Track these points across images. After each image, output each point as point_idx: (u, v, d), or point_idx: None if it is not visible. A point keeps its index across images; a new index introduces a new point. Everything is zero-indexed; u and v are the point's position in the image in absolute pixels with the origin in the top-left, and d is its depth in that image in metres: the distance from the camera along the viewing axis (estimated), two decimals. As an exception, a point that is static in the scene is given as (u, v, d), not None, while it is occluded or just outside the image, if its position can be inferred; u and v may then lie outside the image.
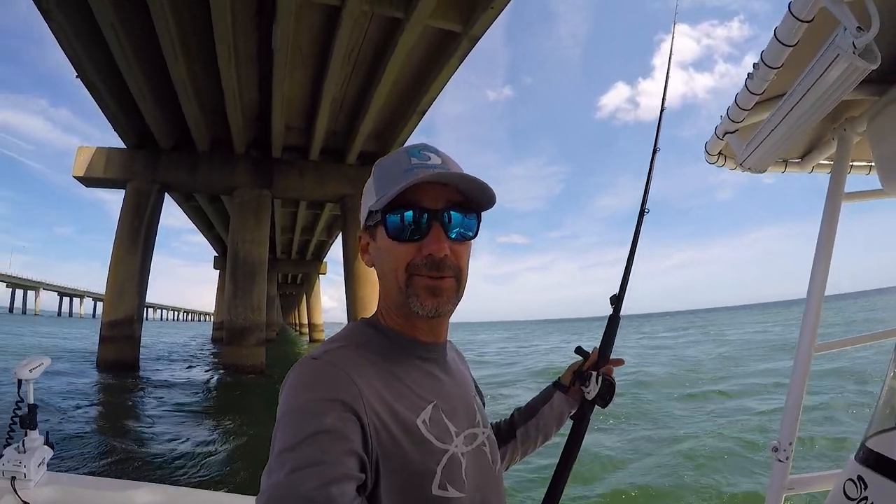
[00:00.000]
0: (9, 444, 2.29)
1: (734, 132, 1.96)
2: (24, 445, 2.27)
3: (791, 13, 1.29)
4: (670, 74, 1.95)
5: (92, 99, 16.73)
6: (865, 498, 1.40)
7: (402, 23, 12.71)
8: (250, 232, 19.70)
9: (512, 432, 1.41)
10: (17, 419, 2.29)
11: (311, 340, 54.51)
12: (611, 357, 1.48)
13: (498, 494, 1.07)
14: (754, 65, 1.54)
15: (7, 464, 2.21)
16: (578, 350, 1.51)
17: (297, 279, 61.93)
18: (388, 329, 1.03)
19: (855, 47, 1.17)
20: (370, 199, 1.02)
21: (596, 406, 1.41)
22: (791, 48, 1.38)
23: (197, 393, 15.78)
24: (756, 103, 1.71)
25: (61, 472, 2.55)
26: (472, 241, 1.03)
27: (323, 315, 62.70)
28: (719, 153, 2.24)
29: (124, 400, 13.83)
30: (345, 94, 16.84)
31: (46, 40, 13.84)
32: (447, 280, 0.98)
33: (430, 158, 1.00)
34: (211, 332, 51.62)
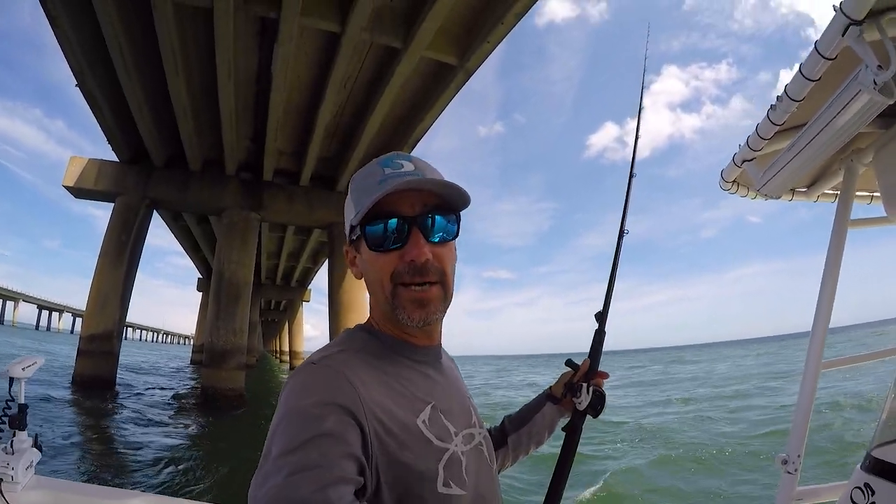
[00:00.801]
0: None
1: (752, 160, 2.07)
2: (12, 446, 2.20)
3: (817, 50, 1.39)
4: (643, 106, 2.01)
5: (88, 111, 16.84)
6: (874, 503, 1.46)
7: (399, 53, 12.90)
8: (237, 253, 19.59)
9: (503, 439, 1.44)
10: (5, 419, 2.22)
11: (292, 368, 53.53)
12: (598, 370, 1.49)
13: (496, 492, 1.09)
14: (777, 97, 1.65)
15: None
16: (569, 363, 1.54)
17: (281, 306, 61.49)
18: (382, 333, 1.05)
19: (875, 84, 1.27)
20: (350, 213, 1.04)
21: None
22: (814, 83, 1.48)
23: (174, 412, 15.63)
24: (775, 133, 1.83)
25: (49, 476, 2.46)
26: (455, 241, 1.05)
27: (305, 344, 62.22)
28: (734, 181, 2.38)
29: (100, 418, 13.68)
30: (339, 121, 17.00)
31: (46, 49, 14.05)
32: (433, 288, 0.99)
33: (402, 166, 1.02)
34: (190, 355, 51.09)
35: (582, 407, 1.40)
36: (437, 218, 1.00)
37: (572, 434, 1.40)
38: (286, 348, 66.11)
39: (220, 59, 13.06)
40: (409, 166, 1.02)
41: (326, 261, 24.01)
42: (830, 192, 2.45)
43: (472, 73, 13.83)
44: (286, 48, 12.51)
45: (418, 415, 0.95)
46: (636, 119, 1.98)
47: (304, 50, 13.63)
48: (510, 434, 1.45)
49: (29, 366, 2.23)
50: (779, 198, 2.36)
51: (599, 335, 1.52)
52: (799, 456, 1.91)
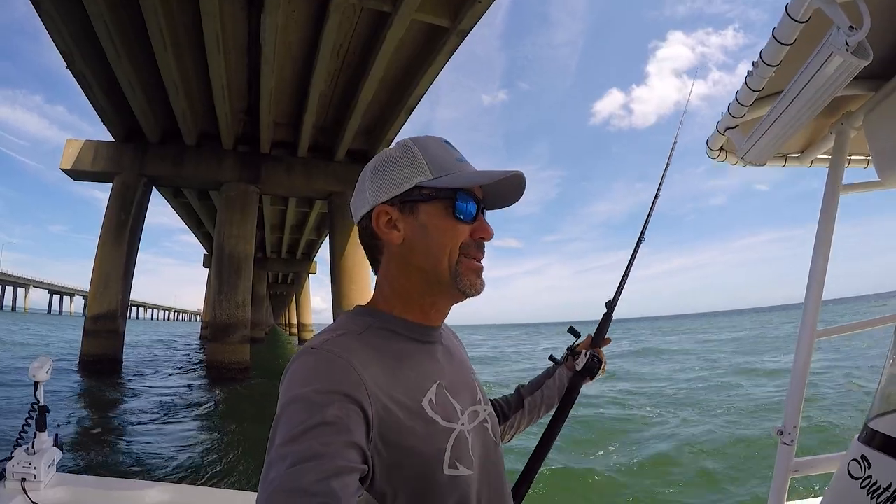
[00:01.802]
0: (19, 446, 2.32)
1: (735, 127, 2.08)
2: (33, 447, 2.30)
3: (788, 14, 1.39)
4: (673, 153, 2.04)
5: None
6: (870, 477, 1.45)
7: (389, 17, 12.70)
8: (236, 227, 19.55)
9: (520, 402, 1.52)
10: (31, 420, 2.32)
11: (301, 341, 54.60)
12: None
13: (501, 467, 1.10)
14: (753, 63, 1.66)
15: (17, 465, 2.23)
16: (571, 330, 1.65)
17: (288, 279, 61.84)
18: (385, 314, 1.04)
19: (848, 45, 1.26)
20: (414, 173, 1.01)
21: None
22: (788, 47, 1.48)
23: (183, 393, 15.73)
24: (756, 99, 1.83)
25: (71, 473, 2.55)
26: None
27: (313, 316, 62.80)
28: (720, 148, 2.38)
29: (112, 404, 13.68)
30: (333, 90, 16.84)
31: (42, 36, 13.83)
32: (481, 264, 1.05)
33: (458, 152, 1.08)
34: (200, 331, 51.64)
35: (579, 367, 1.55)
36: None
37: (570, 392, 1.53)
38: (294, 321, 66.73)
39: (207, 32, 12.91)
40: (460, 155, 1.08)
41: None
42: (824, 156, 2.43)
43: (466, 34, 13.57)
44: (274, 17, 12.31)
45: (424, 395, 0.95)
46: (668, 154, 2.05)
47: (293, 18, 13.46)
48: (526, 397, 1.53)
49: (49, 368, 2.31)
50: (764, 164, 2.31)
51: (607, 318, 1.68)
52: (795, 427, 1.91)
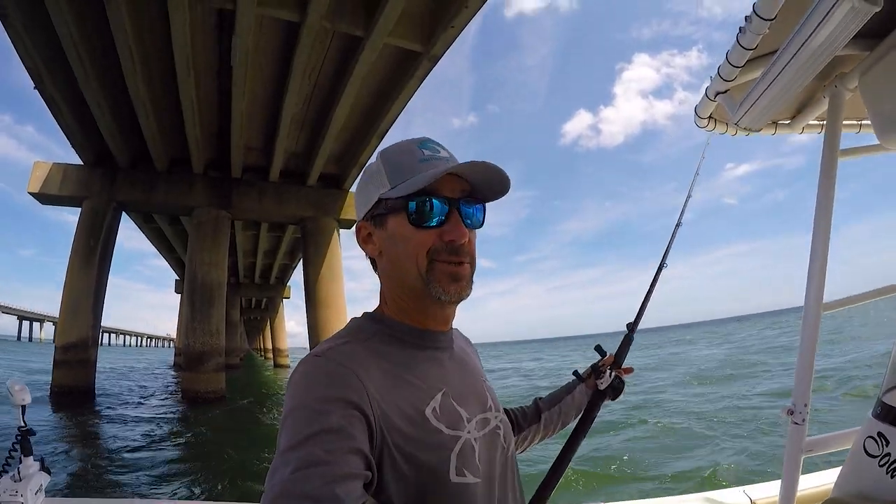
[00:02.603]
0: (5, 472, 2.21)
1: (725, 92, 1.98)
2: (19, 473, 2.19)
3: None
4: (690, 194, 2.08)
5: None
6: (888, 454, 1.41)
7: (362, 41, 12.71)
8: (208, 254, 19.31)
9: (538, 415, 1.51)
10: (17, 446, 2.20)
11: (276, 366, 54.41)
12: (623, 366, 1.64)
13: (513, 476, 1.09)
14: (746, 18, 1.51)
15: (4, 493, 2.13)
16: (598, 348, 1.67)
17: (262, 304, 61.41)
18: (392, 321, 1.04)
19: None
20: (378, 187, 1.02)
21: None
22: None
23: (158, 418, 15.50)
24: (748, 60, 1.72)
25: (60, 497, 2.48)
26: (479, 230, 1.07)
27: (288, 340, 62.29)
28: (710, 117, 2.27)
29: (85, 428, 13.57)
30: (305, 113, 16.76)
31: (11, 54, 13.55)
32: (465, 266, 1.00)
33: (439, 151, 1.03)
34: (173, 359, 50.93)
35: (603, 387, 1.55)
36: (471, 205, 1.03)
37: (590, 410, 1.53)
38: (269, 346, 66.26)
39: (178, 54, 12.79)
40: (444, 152, 1.04)
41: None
42: (816, 122, 2.34)
43: (438, 59, 13.62)
44: (245, 40, 12.24)
45: (428, 404, 0.94)
46: (689, 186, 2.10)
47: (264, 41, 13.41)
48: (544, 411, 1.52)
49: (26, 391, 2.19)
50: (759, 131, 2.25)
51: (628, 339, 1.69)
52: (806, 405, 1.86)
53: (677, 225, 1.96)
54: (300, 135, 18.03)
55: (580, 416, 1.54)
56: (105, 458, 10.19)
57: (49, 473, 2.31)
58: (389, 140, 17.61)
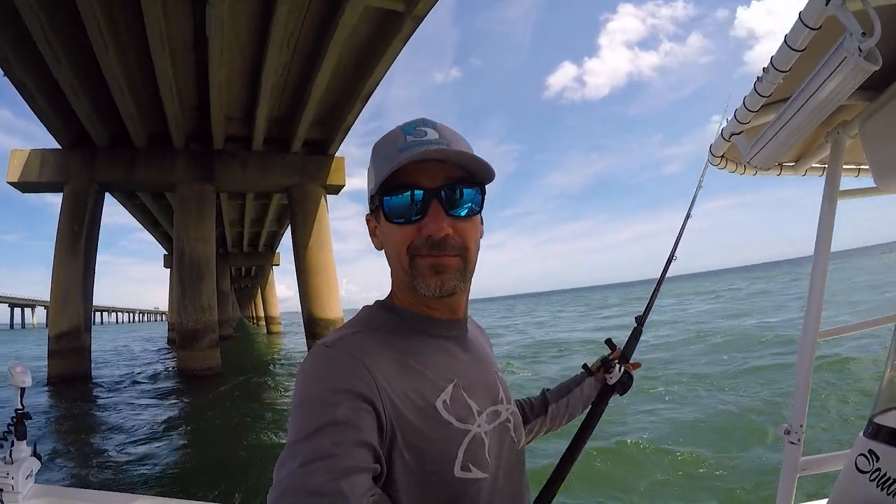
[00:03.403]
0: None
1: (740, 133, 2.06)
2: (11, 456, 2.25)
3: (801, 21, 1.38)
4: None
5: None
6: (878, 469, 1.49)
7: (342, 4, 12.38)
8: (194, 229, 19.07)
9: (545, 407, 1.50)
10: (12, 428, 2.26)
11: (269, 332, 55.21)
12: (631, 360, 1.67)
13: (520, 470, 1.08)
14: (764, 69, 1.62)
15: None
16: (608, 342, 1.72)
17: (251, 272, 61.49)
18: (403, 310, 1.02)
19: (860, 51, 1.27)
20: (370, 182, 1.01)
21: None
22: (799, 53, 1.46)
23: (155, 399, 15.50)
24: (762, 105, 1.79)
25: (49, 484, 2.51)
26: (479, 216, 1.01)
27: (280, 305, 62.87)
28: (723, 156, 2.34)
29: (84, 414, 13.48)
30: (286, 81, 16.41)
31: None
32: (451, 258, 0.95)
33: (426, 134, 0.96)
34: (167, 332, 51.07)
35: (612, 382, 1.57)
36: (460, 191, 0.96)
37: (598, 404, 1.55)
38: (261, 314, 66.82)
39: (150, 29, 12.38)
40: (432, 134, 0.97)
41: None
42: (818, 165, 2.49)
43: (422, 19, 13.33)
44: (220, 9, 11.83)
45: (438, 395, 0.92)
46: (699, 178, 2.21)
47: (239, 8, 12.93)
48: (551, 403, 1.51)
49: (27, 373, 2.28)
50: (768, 170, 2.42)
51: (637, 332, 1.72)
52: (801, 426, 1.94)
53: (687, 217, 2.05)
54: (281, 101, 17.67)
55: (587, 409, 1.56)
56: (98, 446, 10.19)
57: (40, 460, 2.37)
58: (376, 98, 17.42)
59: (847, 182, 2.35)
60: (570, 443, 1.44)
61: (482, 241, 1.04)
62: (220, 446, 9.62)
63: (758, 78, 1.68)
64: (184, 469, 8.44)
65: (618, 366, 1.57)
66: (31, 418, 2.32)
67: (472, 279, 1.02)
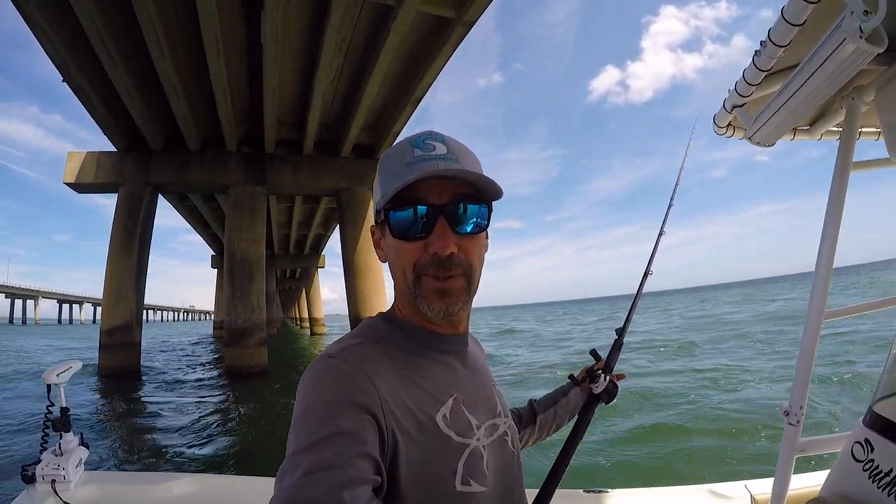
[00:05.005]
0: (45, 449, 2.36)
1: (742, 105, 2.03)
2: (60, 448, 2.35)
3: None
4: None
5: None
6: (872, 460, 1.51)
7: (393, 10, 12.40)
8: (245, 230, 19.39)
9: (533, 417, 1.55)
10: (49, 423, 2.36)
11: (312, 334, 55.39)
12: (615, 371, 1.68)
13: (518, 483, 1.09)
14: (761, 42, 1.59)
15: (46, 468, 2.28)
16: (593, 353, 1.73)
17: (296, 273, 61.99)
18: (405, 323, 1.02)
19: (861, 31, 1.20)
20: (377, 195, 0.99)
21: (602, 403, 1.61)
22: (798, 27, 1.42)
23: (203, 393, 15.81)
24: (763, 78, 1.77)
25: (99, 470, 2.64)
26: (485, 232, 1.00)
27: (323, 307, 63.17)
28: (728, 125, 2.31)
29: (134, 406, 13.81)
30: (337, 86, 16.51)
31: (35, 45, 13.62)
32: (456, 279, 0.95)
33: (434, 148, 0.95)
34: (212, 331, 51.85)
35: (597, 391, 1.57)
36: (467, 208, 0.95)
37: (585, 413, 1.55)
38: (305, 315, 67.44)
39: (206, 35, 12.60)
40: (441, 148, 0.95)
41: (338, 226, 23.78)
42: (835, 129, 2.33)
43: (472, 24, 13.27)
44: (273, 16, 11.96)
45: (439, 409, 0.93)
46: (670, 197, 2.18)
47: (292, 16, 13.11)
48: (539, 413, 1.56)
49: (63, 371, 2.36)
50: (772, 145, 2.22)
51: (618, 344, 1.74)
52: (801, 407, 1.92)
53: (660, 234, 2.03)
54: (332, 106, 17.81)
55: (575, 419, 1.56)
56: (146, 435, 10.43)
57: (88, 448, 2.48)
58: (423, 105, 17.57)
59: (866, 153, 2.24)
60: (559, 452, 1.43)
61: (486, 256, 1.03)
62: (267, 437, 9.81)
63: (756, 52, 1.66)
64: (229, 455, 8.68)
65: (602, 375, 1.58)
66: (69, 411, 2.42)
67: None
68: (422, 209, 0.93)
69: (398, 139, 1.05)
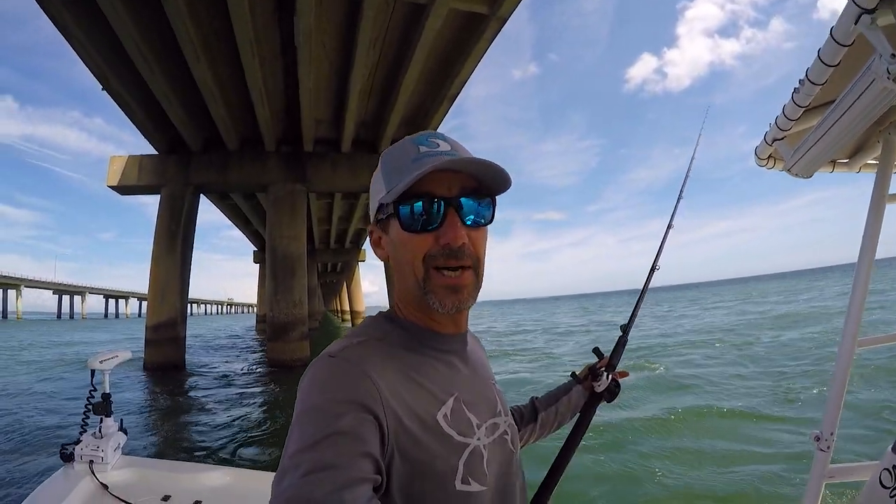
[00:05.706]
0: (84, 431, 2.50)
1: (782, 139, 2.08)
2: (100, 431, 2.51)
3: (832, 37, 1.37)
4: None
5: (122, 107, 16.86)
6: None
7: (426, 8, 12.35)
8: (286, 227, 19.64)
9: (534, 415, 1.53)
10: (90, 406, 2.50)
11: (353, 326, 54.91)
12: (618, 368, 1.68)
13: (519, 481, 1.09)
14: (800, 80, 1.65)
15: (85, 448, 2.43)
16: (596, 351, 1.72)
17: (337, 267, 62.60)
18: (406, 322, 1.02)
19: (889, 73, 1.23)
20: (379, 192, 0.99)
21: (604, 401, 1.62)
22: (833, 68, 1.46)
23: (245, 386, 16.06)
24: (802, 113, 1.81)
25: (135, 456, 2.73)
26: (488, 226, 1.01)
27: (364, 300, 63.77)
28: (769, 157, 2.35)
29: (176, 397, 14.13)
30: (372, 84, 16.56)
31: (73, 53, 13.89)
32: (466, 274, 0.95)
33: (438, 145, 0.97)
34: (255, 324, 52.69)
35: (600, 389, 1.58)
36: (474, 201, 0.97)
37: (587, 412, 1.56)
38: (346, 308, 68.37)
39: (240, 39, 12.74)
40: (444, 145, 0.98)
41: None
42: (872, 161, 2.35)
43: (506, 19, 13.13)
44: (307, 19, 12.02)
45: (439, 409, 0.92)
46: (679, 191, 2.15)
47: (325, 18, 13.12)
48: (541, 411, 1.54)
49: (108, 359, 2.50)
50: (810, 176, 2.23)
51: (622, 341, 1.73)
52: (832, 434, 1.92)
53: (668, 227, 2.00)
54: (369, 104, 17.88)
55: (576, 417, 1.57)
56: (185, 426, 10.63)
57: (126, 434, 2.63)
58: (458, 100, 17.48)
59: None
60: (559, 450, 1.43)
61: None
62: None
63: (795, 89, 1.70)
64: (265, 450, 8.73)
65: (605, 374, 1.58)
66: (111, 396, 2.56)
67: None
68: (434, 202, 0.93)
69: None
